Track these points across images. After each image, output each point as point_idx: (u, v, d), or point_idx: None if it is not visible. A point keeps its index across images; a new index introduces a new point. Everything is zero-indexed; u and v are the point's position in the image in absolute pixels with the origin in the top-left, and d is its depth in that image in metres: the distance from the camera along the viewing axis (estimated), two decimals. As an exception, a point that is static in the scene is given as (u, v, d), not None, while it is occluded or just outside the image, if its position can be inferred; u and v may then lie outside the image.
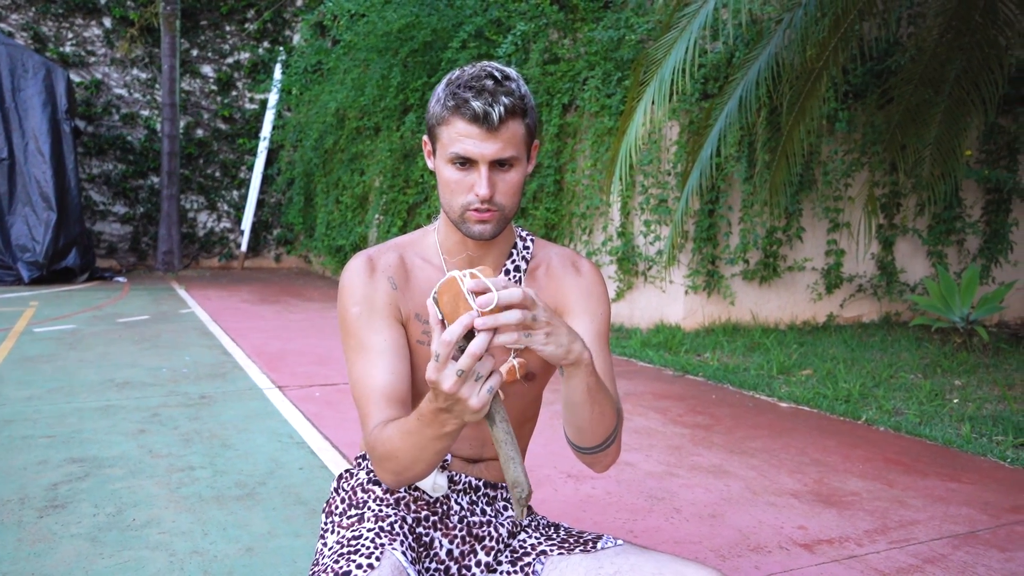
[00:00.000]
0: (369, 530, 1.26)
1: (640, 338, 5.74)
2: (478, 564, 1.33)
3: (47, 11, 11.37)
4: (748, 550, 2.31)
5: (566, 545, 1.32)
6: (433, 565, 1.31)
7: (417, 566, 1.25)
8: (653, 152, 6.02)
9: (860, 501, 2.74)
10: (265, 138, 11.56)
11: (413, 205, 8.59)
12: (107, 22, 11.72)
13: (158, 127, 11.81)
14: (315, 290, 9.42)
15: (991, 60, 4.95)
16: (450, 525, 1.35)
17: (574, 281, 1.40)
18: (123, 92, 11.89)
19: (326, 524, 1.41)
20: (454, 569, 1.32)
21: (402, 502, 1.36)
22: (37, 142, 9.33)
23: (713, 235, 6.07)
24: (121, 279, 10.12)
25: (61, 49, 11.45)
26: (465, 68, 1.24)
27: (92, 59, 11.69)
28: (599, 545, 1.30)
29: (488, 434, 1.37)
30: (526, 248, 1.41)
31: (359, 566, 1.15)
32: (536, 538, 1.36)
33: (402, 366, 1.28)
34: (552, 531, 1.39)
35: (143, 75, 11.95)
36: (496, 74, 1.21)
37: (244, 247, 12.25)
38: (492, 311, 0.94)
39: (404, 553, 1.21)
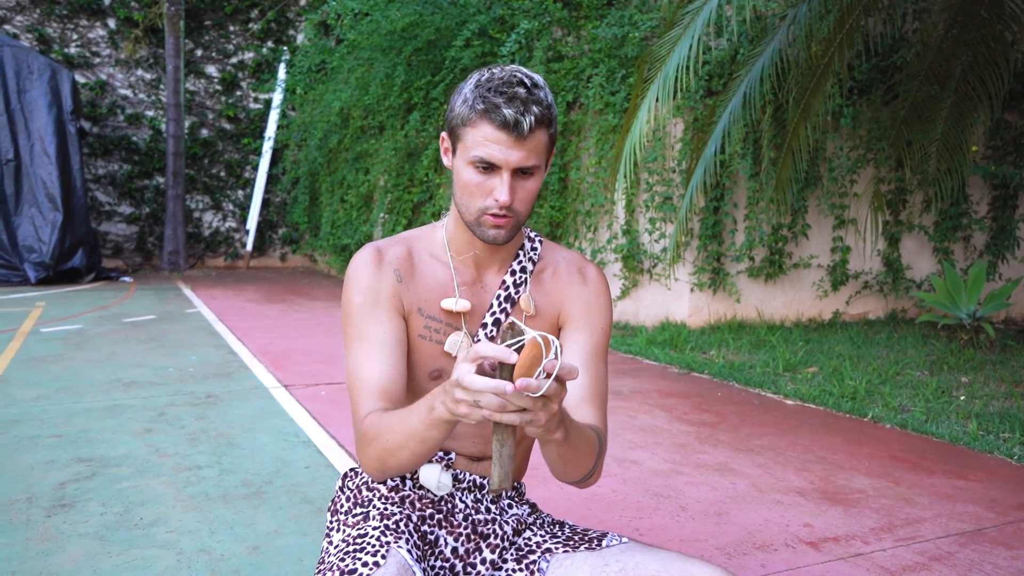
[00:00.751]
0: (375, 528, 1.26)
1: (645, 336, 5.73)
2: (483, 562, 1.33)
3: (52, 13, 11.40)
4: (754, 548, 2.31)
5: (571, 543, 1.32)
6: (438, 563, 1.31)
7: (422, 564, 1.25)
8: (657, 149, 6.02)
9: (866, 499, 2.73)
10: (270, 138, 11.57)
11: (418, 203, 8.60)
12: (111, 23, 11.75)
13: (163, 127, 11.85)
14: (320, 289, 9.43)
15: (997, 55, 4.93)
16: (455, 523, 1.35)
17: (579, 290, 1.40)
18: (128, 93, 11.92)
19: (331, 523, 1.42)
20: (459, 567, 1.32)
21: (407, 500, 1.36)
22: (43, 143, 9.36)
23: (718, 232, 6.05)
24: (127, 279, 10.15)
25: (66, 50, 11.48)
26: (494, 71, 1.23)
27: (97, 60, 11.71)
28: (604, 543, 1.30)
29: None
30: (534, 249, 1.42)
31: (365, 564, 1.15)
32: (541, 536, 1.36)
33: (399, 360, 1.29)
34: (557, 529, 1.39)
35: (148, 76, 11.98)
36: (527, 81, 1.21)
37: (249, 247, 12.27)
38: (529, 397, 0.96)
39: (410, 551, 1.21)
